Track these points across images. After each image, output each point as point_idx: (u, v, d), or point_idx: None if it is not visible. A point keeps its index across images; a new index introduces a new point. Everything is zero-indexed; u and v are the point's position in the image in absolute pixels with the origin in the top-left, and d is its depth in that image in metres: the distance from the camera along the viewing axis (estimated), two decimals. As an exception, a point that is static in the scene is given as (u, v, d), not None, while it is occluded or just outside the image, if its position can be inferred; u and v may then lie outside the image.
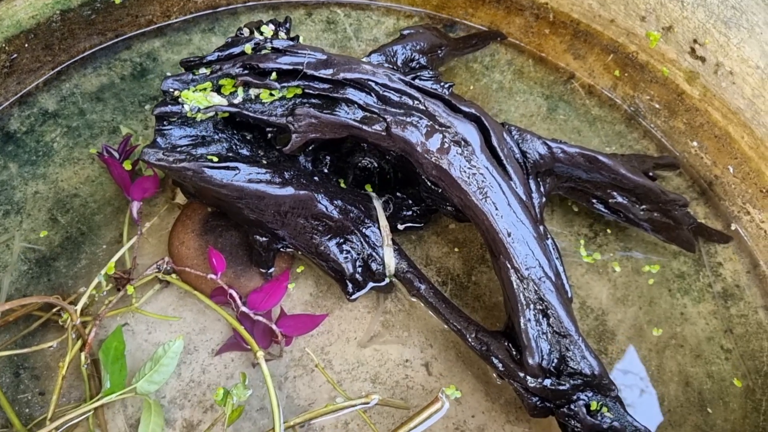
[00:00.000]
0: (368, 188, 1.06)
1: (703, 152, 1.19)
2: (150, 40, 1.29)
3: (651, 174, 1.11)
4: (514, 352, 0.92)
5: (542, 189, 1.03)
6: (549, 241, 0.97)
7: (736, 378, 1.04)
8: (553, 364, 0.89)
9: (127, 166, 1.09)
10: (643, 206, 1.07)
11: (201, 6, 1.31)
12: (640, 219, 1.09)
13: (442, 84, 1.00)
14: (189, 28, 1.31)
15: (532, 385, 0.89)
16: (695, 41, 1.10)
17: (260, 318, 0.97)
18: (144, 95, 1.23)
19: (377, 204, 1.03)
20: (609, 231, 1.16)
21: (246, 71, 0.88)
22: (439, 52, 1.13)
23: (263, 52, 0.89)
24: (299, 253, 1.03)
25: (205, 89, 0.88)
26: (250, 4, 1.34)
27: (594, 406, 0.88)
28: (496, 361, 0.93)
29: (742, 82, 1.06)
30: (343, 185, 1.04)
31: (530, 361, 0.88)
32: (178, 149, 0.87)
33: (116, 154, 1.11)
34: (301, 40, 1.26)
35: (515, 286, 0.90)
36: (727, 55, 1.07)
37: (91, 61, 1.25)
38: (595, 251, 1.14)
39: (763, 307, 1.10)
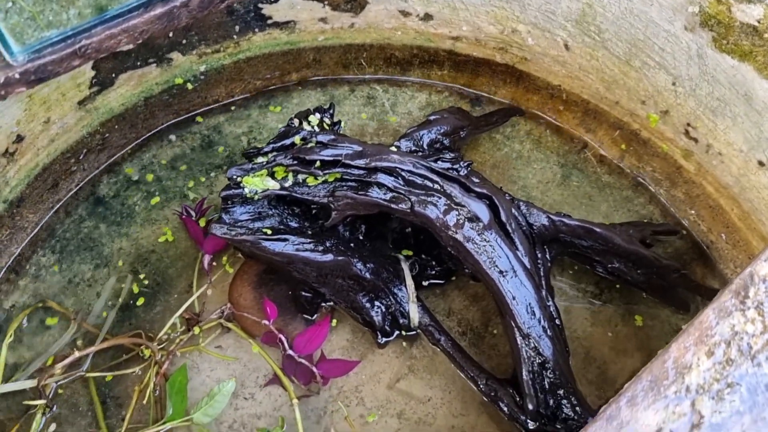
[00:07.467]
0: (405, 252, 1.23)
1: (700, 220, 1.32)
2: (216, 115, 1.51)
3: (648, 241, 1.25)
4: (518, 398, 1.07)
5: (548, 255, 1.18)
6: (551, 303, 1.12)
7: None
8: (550, 410, 1.04)
9: (201, 223, 1.30)
10: (639, 270, 1.21)
11: (259, 86, 1.52)
12: (636, 281, 1.23)
13: (460, 164, 1.17)
14: (249, 104, 1.53)
15: (531, 428, 1.04)
16: (689, 124, 1.24)
17: (303, 360, 1.16)
18: (210, 164, 1.44)
19: (405, 266, 1.20)
20: (614, 288, 1.30)
21: (295, 162, 1.07)
22: (461, 133, 1.31)
23: (309, 145, 1.09)
24: (338, 306, 1.22)
25: (261, 175, 1.08)
26: (301, 82, 1.55)
27: (585, 447, 1.03)
28: (502, 405, 1.09)
29: (730, 162, 1.20)
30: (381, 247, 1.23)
31: (530, 406, 1.03)
32: (239, 224, 1.07)
33: (193, 214, 1.32)
34: (344, 114, 1.45)
35: (518, 343, 1.05)
36: (715, 138, 1.21)
37: (166, 134, 1.47)
38: (600, 306, 1.28)
39: (752, 362, 1.22)
